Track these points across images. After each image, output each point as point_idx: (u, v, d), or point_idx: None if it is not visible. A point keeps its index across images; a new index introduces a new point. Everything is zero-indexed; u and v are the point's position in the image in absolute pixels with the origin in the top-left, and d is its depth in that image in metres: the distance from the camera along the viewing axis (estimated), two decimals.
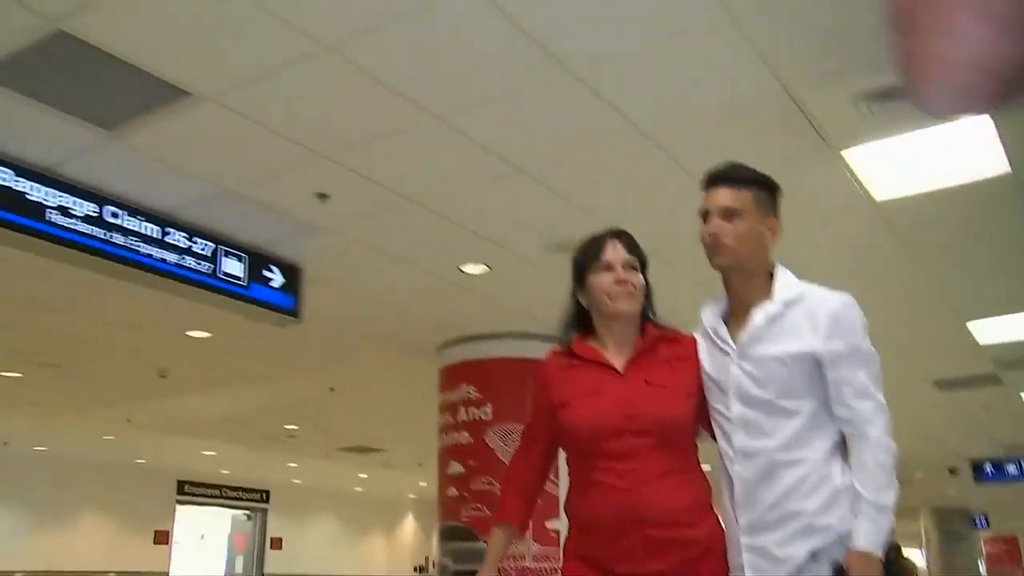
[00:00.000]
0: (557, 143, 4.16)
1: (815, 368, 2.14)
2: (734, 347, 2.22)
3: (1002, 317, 6.85)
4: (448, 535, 7.25)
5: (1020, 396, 9.83)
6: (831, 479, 2.12)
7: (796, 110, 3.80)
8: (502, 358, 7.28)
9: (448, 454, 7.39)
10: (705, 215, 2.26)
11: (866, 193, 4.63)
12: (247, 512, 18.50)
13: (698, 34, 3.33)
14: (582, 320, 2.40)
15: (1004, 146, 4.12)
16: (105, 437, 12.31)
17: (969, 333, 7.19)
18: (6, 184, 4.25)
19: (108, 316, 6.77)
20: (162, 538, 15.99)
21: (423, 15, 3.23)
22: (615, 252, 2.33)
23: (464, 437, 7.26)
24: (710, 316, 2.34)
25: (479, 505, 7.04)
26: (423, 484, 18.36)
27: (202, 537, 19.20)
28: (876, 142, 4.13)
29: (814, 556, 2.07)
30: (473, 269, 5.88)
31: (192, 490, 16.87)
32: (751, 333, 2.20)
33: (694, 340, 2.37)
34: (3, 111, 3.88)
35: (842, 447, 2.17)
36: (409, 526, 21.53)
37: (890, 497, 2.05)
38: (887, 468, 2.07)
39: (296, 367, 8.38)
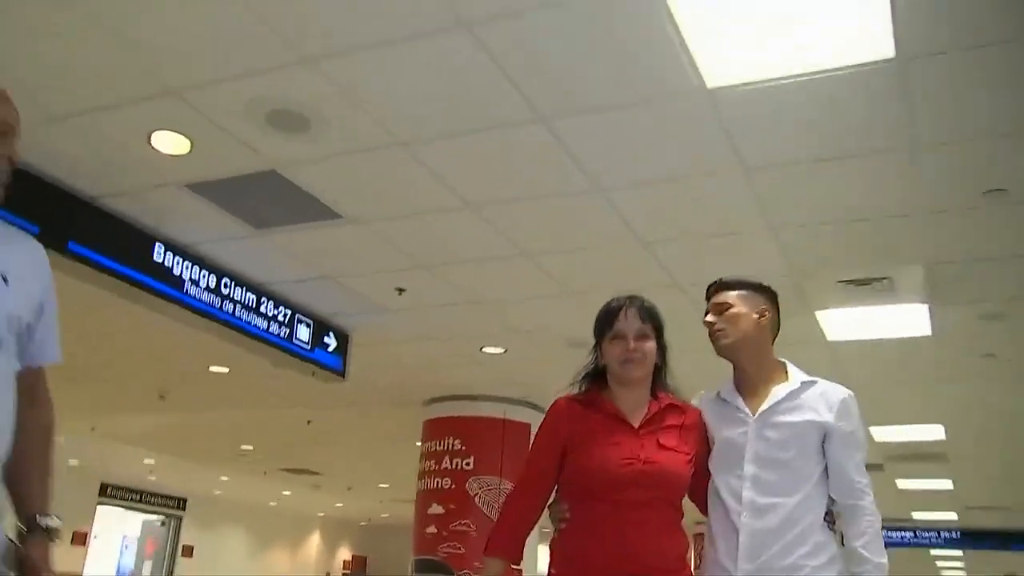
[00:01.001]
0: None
1: (822, 441, 2.45)
2: (752, 415, 2.49)
3: None
4: (424, 567, 8.26)
5: None
6: (829, 542, 2.40)
7: None
8: (486, 417, 8.40)
9: (429, 496, 8.43)
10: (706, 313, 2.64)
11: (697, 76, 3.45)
12: (162, 518, 18.83)
13: None
14: (599, 376, 2.57)
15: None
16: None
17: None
18: (158, 260, 5.21)
19: (142, 344, 7.52)
20: (80, 539, 16.20)
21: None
22: (627, 322, 2.49)
23: (447, 483, 8.33)
24: (724, 393, 2.59)
25: (456, 544, 8.11)
26: (339, 505, 19.12)
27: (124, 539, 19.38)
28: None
29: None
30: (493, 351, 7.03)
31: (114, 492, 17.18)
32: (772, 404, 2.48)
33: (699, 413, 2.59)
34: (192, 211, 4.86)
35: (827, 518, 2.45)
36: (314, 542, 22.15)
37: (885, 559, 2.36)
38: (880, 535, 2.40)
39: (288, 401, 9.25)
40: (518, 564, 2.53)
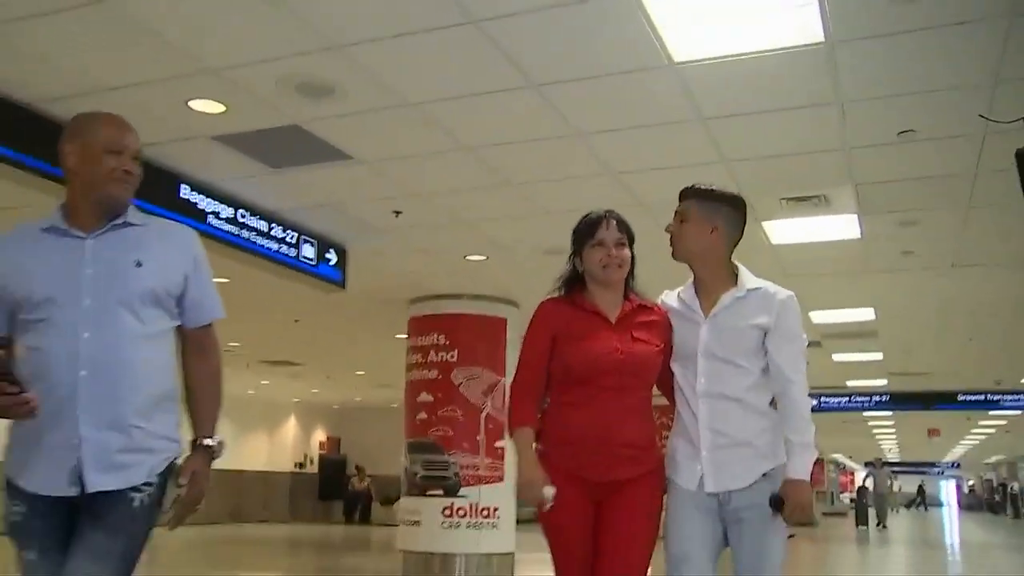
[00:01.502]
0: None
1: (763, 339, 2.76)
2: (704, 317, 2.81)
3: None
4: (417, 448, 9.24)
5: None
6: (775, 426, 2.75)
7: None
8: (466, 314, 9.26)
9: (418, 386, 9.35)
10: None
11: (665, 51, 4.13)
12: None
13: None
14: (577, 280, 2.89)
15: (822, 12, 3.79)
16: None
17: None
18: (185, 196, 5.86)
19: None
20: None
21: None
22: (607, 231, 2.81)
23: (433, 374, 9.24)
24: (683, 295, 2.90)
25: (445, 428, 9.09)
26: (315, 391, 20.13)
27: None
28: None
29: (765, 475, 2.71)
30: (476, 258, 7.83)
31: None
32: (720, 309, 2.79)
33: (664, 312, 2.91)
34: (219, 158, 5.50)
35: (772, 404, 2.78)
36: (291, 426, 23.25)
37: (811, 436, 2.70)
38: (807, 416, 2.72)
39: (282, 306, 9.98)
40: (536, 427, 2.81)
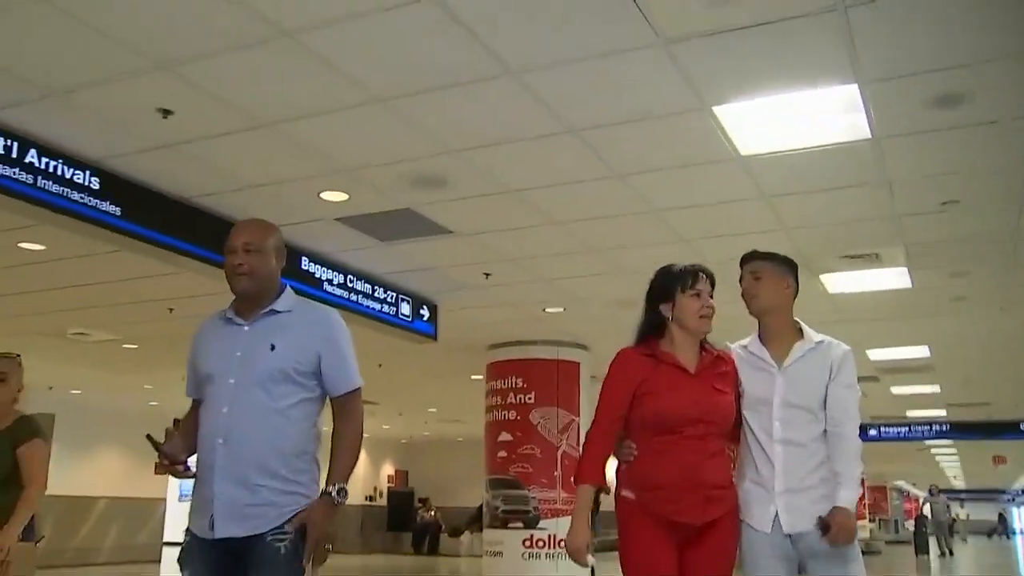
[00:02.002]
0: None
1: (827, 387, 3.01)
2: (776, 368, 3.04)
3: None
4: (498, 484, 9.95)
5: None
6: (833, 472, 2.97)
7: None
8: (542, 359, 9.97)
9: (497, 426, 10.06)
10: (741, 279, 3.15)
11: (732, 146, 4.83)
12: None
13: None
14: (657, 328, 3.04)
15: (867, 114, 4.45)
16: (145, 386, 14.38)
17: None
18: (305, 268, 6.68)
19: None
20: (160, 469, 18.03)
21: None
22: (704, 284, 3.01)
23: (512, 415, 9.94)
24: (751, 347, 3.10)
25: (524, 465, 9.78)
26: (386, 427, 20.94)
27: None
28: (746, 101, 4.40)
29: (816, 526, 2.88)
30: (553, 310, 8.56)
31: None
32: (794, 360, 3.03)
33: (733, 360, 3.10)
34: (336, 235, 6.32)
35: None
36: (361, 461, 24.09)
37: (859, 472, 2.94)
38: (857, 454, 2.97)
39: (370, 353, 10.77)
40: (604, 489, 2.98)
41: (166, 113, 4.47)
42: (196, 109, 4.48)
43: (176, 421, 2.92)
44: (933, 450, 22.88)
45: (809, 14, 3.56)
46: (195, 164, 5.19)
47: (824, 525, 2.84)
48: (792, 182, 5.31)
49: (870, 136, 4.64)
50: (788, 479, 2.96)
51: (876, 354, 10.59)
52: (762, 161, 5.00)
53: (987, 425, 16.62)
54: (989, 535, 43.32)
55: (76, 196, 4.93)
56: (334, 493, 2.78)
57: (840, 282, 7.49)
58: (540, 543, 9.58)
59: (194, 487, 2.82)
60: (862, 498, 24.38)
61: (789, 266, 3.14)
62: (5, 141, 4.56)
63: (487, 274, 7.33)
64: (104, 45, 3.87)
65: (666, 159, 5.01)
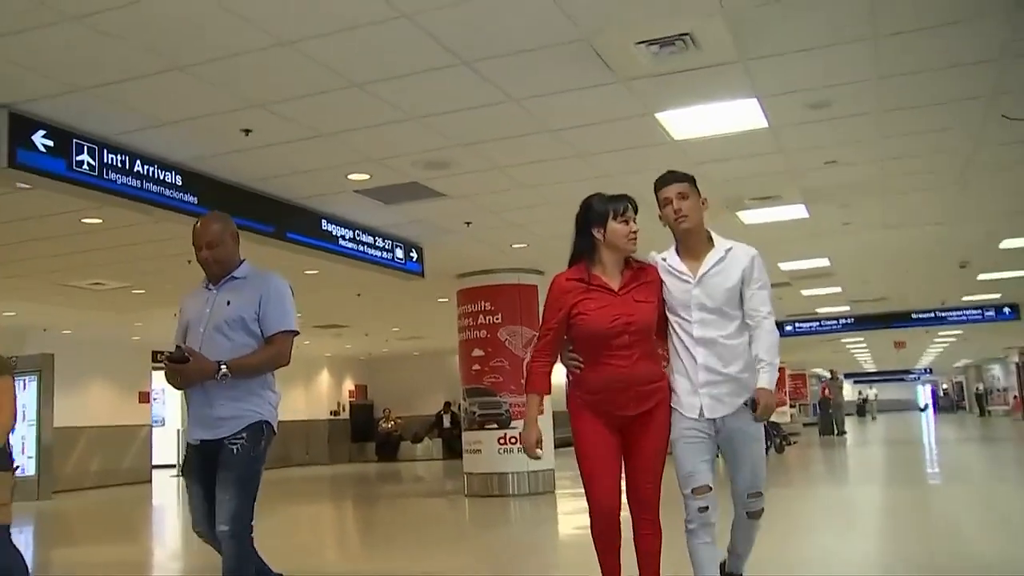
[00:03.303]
0: None
1: (740, 290, 3.46)
2: (693, 277, 3.46)
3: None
4: (474, 393, 11.70)
5: None
6: (750, 363, 3.45)
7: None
8: (506, 284, 11.64)
9: (470, 344, 11.76)
10: (668, 201, 3.46)
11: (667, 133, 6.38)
12: None
13: None
14: (590, 252, 3.46)
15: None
16: (136, 324, 15.64)
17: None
18: (325, 228, 8.19)
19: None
20: (144, 397, 19.36)
21: None
22: (630, 211, 3.42)
23: (483, 333, 11.65)
24: (670, 260, 3.53)
25: (496, 375, 11.53)
26: (348, 346, 22.53)
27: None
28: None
29: (745, 404, 3.44)
30: (519, 245, 10.20)
31: (161, 358, 20.27)
32: (706, 270, 3.46)
33: (655, 269, 3.53)
34: (352, 201, 7.83)
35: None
36: (324, 379, 25.71)
37: (777, 359, 3.43)
38: (775, 343, 3.45)
39: (352, 285, 12.27)
40: (547, 394, 3.52)
41: (247, 132, 5.92)
42: (271, 128, 5.94)
43: (178, 347, 3.68)
44: (843, 340, 25.47)
45: (725, 63, 5.19)
46: (259, 162, 6.65)
47: (752, 404, 3.39)
48: (716, 153, 6.95)
49: (767, 126, 6.33)
50: (709, 373, 3.43)
51: (786, 265, 12.55)
52: (692, 142, 6.65)
53: (885, 316, 19.00)
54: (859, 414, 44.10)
55: (167, 192, 6.35)
56: (223, 368, 3.59)
57: (752, 216, 9.26)
58: (512, 440, 11.37)
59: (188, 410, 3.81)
60: (782, 385, 26.89)
61: (694, 183, 3.55)
62: (121, 157, 5.96)
63: (468, 223, 8.92)
64: (202, 89, 5.32)
65: (618, 144, 6.65)
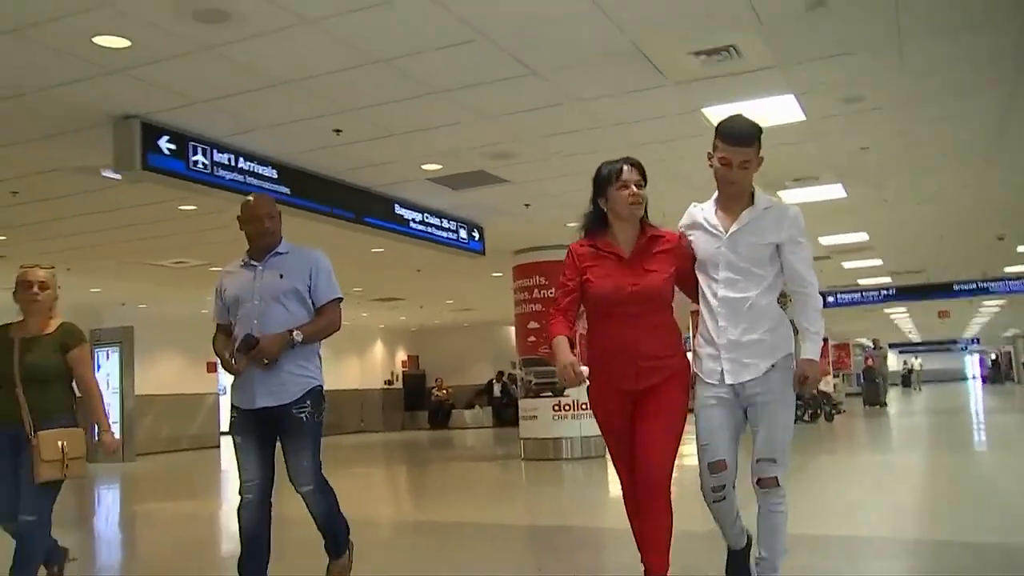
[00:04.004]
0: None
1: (776, 251, 3.26)
2: (724, 233, 3.27)
3: None
4: (530, 363, 12.46)
5: None
6: (782, 317, 3.28)
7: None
8: (559, 261, 12.28)
9: (526, 317, 12.51)
10: (727, 162, 3.21)
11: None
12: None
13: None
14: (600, 220, 3.38)
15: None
16: (207, 297, 16.62)
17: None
18: (398, 212, 8.98)
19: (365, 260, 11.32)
20: (211, 367, 20.40)
21: None
22: (630, 174, 3.29)
23: (537, 307, 12.37)
24: (706, 213, 3.35)
25: (550, 346, 12.25)
26: (402, 318, 23.43)
27: None
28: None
29: (773, 366, 3.23)
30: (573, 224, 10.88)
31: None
32: (739, 227, 3.25)
33: (677, 236, 3.37)
34: (422, 188, 8.61)
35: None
36: (378, 349, 26.69)
37: (822, 327, 3.26)
38: (820, 310, 3.28)
39: (413, 261, 13.07)
40: (572, 336, 3.33)
41: (338, 131, 6.70)
42: (360, 129, 6.73)
43: (247, 335, 3.82)
44: (886, 310, 25.80)
45: (764, 67, 5.82)
46: (344, 157, 7.45)
47: (801, 376, 3.21)
48: None
49: (804, 119, 6.97)
50: (731, 334, 3.22)
51: (826, 240, 13.11)
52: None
53: (925, 287, 19.38)
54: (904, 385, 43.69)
55: (265, 185, 7.17)
56: (294, 334, 3.80)
57: (792, 196, 9.79)
58: (567, 407, 12.09)
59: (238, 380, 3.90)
60: (825, 355, 27.14)
61: (760, 138, 3.26)
62: (228, 156, 6.79)
63: (527, 205, 9.64)
64: (301, 98, 6.11)
65: (667, 135, 7.32)
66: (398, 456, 16.98)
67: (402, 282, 16.07)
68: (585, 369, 3.21)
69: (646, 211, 3.35)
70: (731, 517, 3.36)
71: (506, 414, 23.00)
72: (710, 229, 3.31)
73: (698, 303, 3.40)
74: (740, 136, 3.22)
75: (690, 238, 3.38)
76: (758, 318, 3.23)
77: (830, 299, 19.84)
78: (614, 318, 3.25)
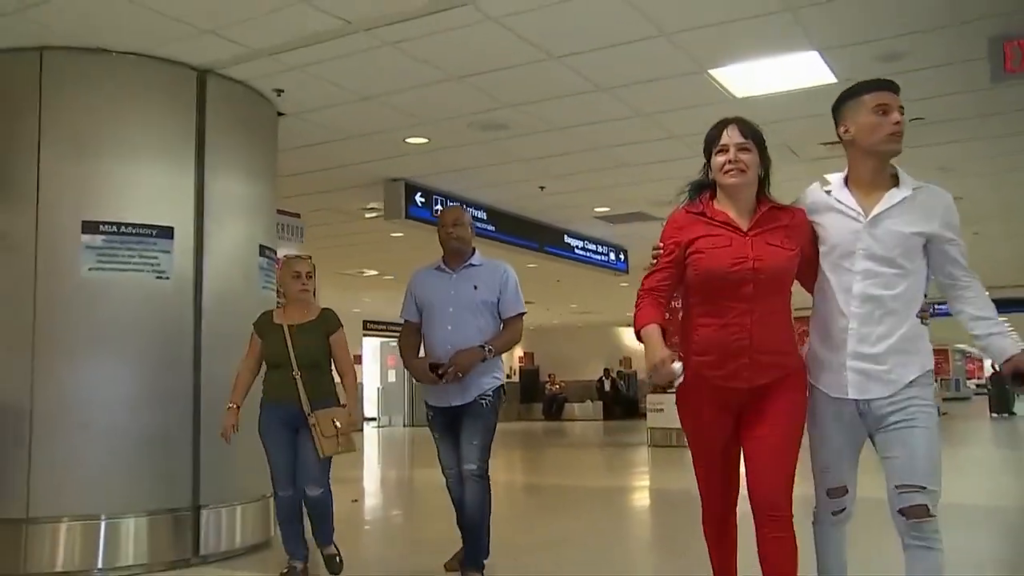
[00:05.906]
0: None
1: (924, 244, 2.70)
2: (864, 216, 2.71)
3: None
4: None
5: None
6: (923, 334, 2.75)
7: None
8: None
9: None
10: (887, 109, 2.70)
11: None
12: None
13: None
14: (706, 188, 2.90)
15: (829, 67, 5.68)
16: (364, 299, 19.02)
17: None
18: (567, 240, 11.10)
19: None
20: (357, 359, 22.74)
21: None
22: (730, 137, 2.79)
23: None
24: (837, 190, 2.80)
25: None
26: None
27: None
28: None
29: (911, 383, 2.68)
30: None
31: (371, 327, 23.75)
32: (884, 208, 2.70)
33: (803, 212, 2.84)
34: (592, 223, 10.72)
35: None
36: None
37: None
38: (990, 303, 2.74)
39: (551, 274, 14.99)
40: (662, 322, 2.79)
41: (542, 187, 8.85)
42: (558, 186, 8.88)
43: (435, 363, 4.15)
44: None
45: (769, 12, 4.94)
46: (539, 203, 9.60)
47: (1018, 374, 2.67)
48: (783, 112, 6.49)
49: (835, 80, 5.79)
50: (864, 339, 2.73)
51: None
52: (757, 99, 6.29)
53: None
54: None
55: (478, 225, 9.30)
56: (487, 348, 4.10)
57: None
58: None
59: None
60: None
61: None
62: (455, 204, 9.00)
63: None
64: (517, 169, 8.26)
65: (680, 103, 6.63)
66: (532, 441, 18.57)
67: (541, 291, 18.04)
68: (679, 365, 2.73)
69: (766, 183, 2.88)
70: (842, 545, 2.94)
71: (613, 408, 25.17)
72: (845, 211, 2.78)
73: (813, 296, 2.95)
74: (883, 80, 2.82)
75: (815, 222, 2.86)
76: (898, 322, 2.72)
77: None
78: (728, 300, 2.75)
